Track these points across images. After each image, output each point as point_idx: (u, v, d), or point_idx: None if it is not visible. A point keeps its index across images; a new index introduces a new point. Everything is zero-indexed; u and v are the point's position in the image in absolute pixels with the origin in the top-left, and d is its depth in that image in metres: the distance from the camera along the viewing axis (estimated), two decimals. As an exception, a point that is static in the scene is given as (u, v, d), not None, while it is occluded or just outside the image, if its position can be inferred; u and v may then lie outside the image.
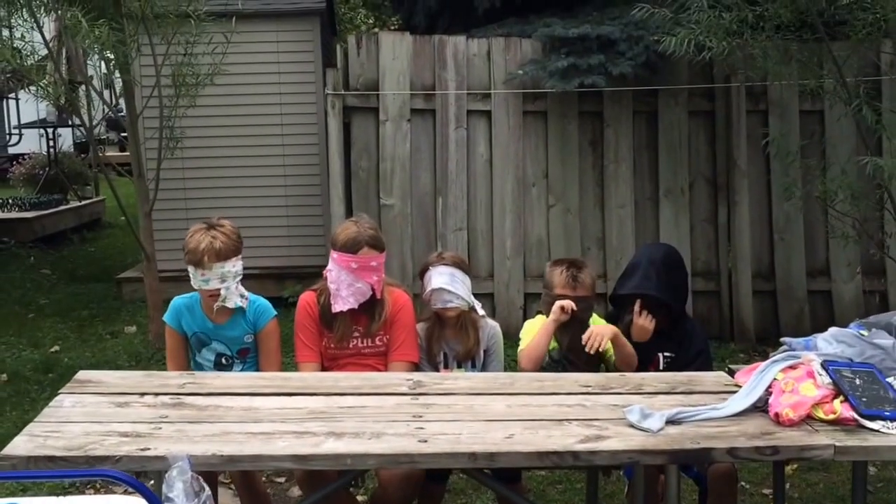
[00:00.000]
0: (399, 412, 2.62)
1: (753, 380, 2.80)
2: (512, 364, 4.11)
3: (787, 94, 6.11)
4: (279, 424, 2.47)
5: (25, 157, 11.73)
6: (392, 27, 12.39)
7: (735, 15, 4.79)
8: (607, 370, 3.46)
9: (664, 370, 3.47)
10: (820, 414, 2.62)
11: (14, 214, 9.61)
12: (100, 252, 9.75)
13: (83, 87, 6.61)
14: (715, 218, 6.35)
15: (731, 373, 3.12)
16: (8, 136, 14.89)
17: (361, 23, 15.21)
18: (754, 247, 6.30)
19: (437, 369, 3.52)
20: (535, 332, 3.46)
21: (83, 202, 11.01)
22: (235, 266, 3.35)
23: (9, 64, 5.45)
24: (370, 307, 3.42)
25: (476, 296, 3.63)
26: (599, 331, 3.37)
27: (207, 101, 6.39)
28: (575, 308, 3.39)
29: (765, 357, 5.78)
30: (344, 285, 3.35)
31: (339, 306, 3.35)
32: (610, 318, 3.61)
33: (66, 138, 13.94)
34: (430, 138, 6.24)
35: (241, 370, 3.44)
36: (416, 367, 3.46)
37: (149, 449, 2.27)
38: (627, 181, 6.30)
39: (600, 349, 3.36)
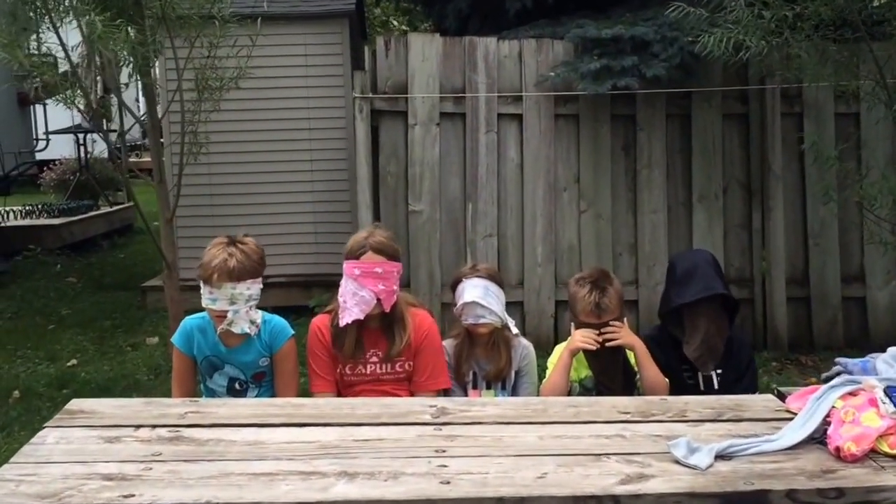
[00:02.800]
0: (420, 446, 2.39)
1: (810, 407, 2.55)
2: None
3: (823, 95, 5.92)
4: (285, 463, 2.23)
5: (56, 162, 11.68)
6: (423, 31, 12.22)
7: (774, 14, 4.56)
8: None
9: (719, 388, 3.25)
10: (885, 447, 2.36)
11: (41, 221, 9.54)
12: (129, 259, 9.61)
13: (115, 93, 6.49)
14: (749, 223, 6.14)
15: (781, 396, 2.87)
16: (35, 142, 14.94)
17: (393, 27, 15.08)
18: (788, 252, 6.09)
19: (465, 389, 3.32)
20: None
21: (114, 208, 10.95)
22: (250, 289, 3.08)
23: (42, 74, 5.27)
24: (389, 328, 3.19)
25: (506, 304, 3.41)
26: (622, 330, 3.16)
27: (233, 105, 6.24)
28: (597, 341, 3.15)
29: (797, 365, 5.64)
30: (349, 295, 3.11)
31: (344, 319, 3.10)
32: (651, 339, 3.35)
33: (101, 143, 13.96)
34: (460, 142, 6.04)
35: (257, 395, 3.21)
36: (448, 392, 3.25)
37: (133, 496, 2.03)
38: (660, 186, 6.09)
39: (612, 343, 3.15)
